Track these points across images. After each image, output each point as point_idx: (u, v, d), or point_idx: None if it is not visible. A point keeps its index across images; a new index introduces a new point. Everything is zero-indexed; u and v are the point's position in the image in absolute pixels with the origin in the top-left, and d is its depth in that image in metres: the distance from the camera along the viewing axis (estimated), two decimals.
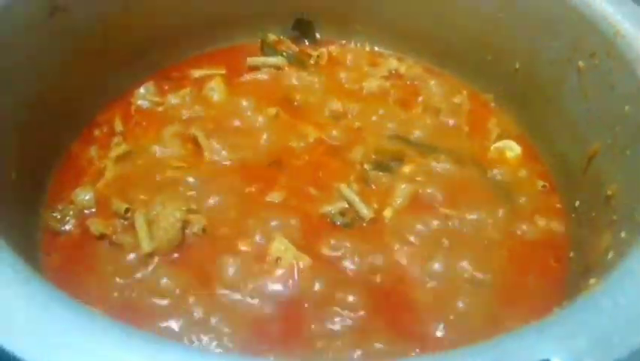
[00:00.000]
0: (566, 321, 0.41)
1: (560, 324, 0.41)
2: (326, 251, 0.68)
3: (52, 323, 0.36)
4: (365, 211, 0.72)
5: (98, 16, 0.78)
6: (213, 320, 0.61)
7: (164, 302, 0.63)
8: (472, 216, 0.74)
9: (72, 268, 0.66)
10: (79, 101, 0.79)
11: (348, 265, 0.67)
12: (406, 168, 0.79)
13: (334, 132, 0.83)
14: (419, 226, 0.72)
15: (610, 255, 0.55)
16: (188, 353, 0.35)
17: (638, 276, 0.44)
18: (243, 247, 0.68)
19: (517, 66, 0.86)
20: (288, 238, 0.68)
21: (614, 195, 0.64)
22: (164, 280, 0.65)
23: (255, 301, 0.63)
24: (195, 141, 0.78)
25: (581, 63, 0.74)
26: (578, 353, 0.38)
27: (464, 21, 0.89)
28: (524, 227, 0.74)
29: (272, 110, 0.82)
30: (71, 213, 0.71)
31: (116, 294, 0.63)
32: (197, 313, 0.62)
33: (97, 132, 0.81)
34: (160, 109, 0.84)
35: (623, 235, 0.56)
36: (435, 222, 0.72)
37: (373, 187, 0.76)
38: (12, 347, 0.34)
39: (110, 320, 0.38)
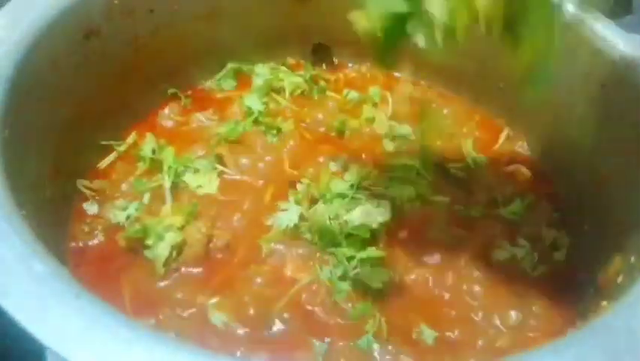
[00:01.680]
0: (580, 342, 0.43)
1: (575, 345, 0.43)
2: None
3: (104, 334, 0.39)
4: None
5: (128, 40, 0.82)
6: (233, 331, 0.64)
7: (188, 313, 0.66)
8: (481, 238, 0.76)
9: (100, 279, 0.68)
10: (107, 120, 0.82)
11: None
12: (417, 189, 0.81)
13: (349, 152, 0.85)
14: (431, 246, 0.74)
15: (620, 278, 0.58)
16: None
17: None
18: (262, 263, 0.71)
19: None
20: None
21: (623, 221, 0.66)
22: (188, 292, 0.68)
23: (272, 314, 0.66)
24: (219, 160, 0.80)
25: (592, 93, 0.77)
26: None
27: (478, 49, 0.92)
28: (534, 249, 0.76)
29: (292, 131, 0.86)
30: (100, 227, 0.74)
31: (141, 305, 0.66)
32: (219, 323, 0.65)
33: (123, 150, 0.83)
34: (184, 128, 0.88)
35: (632, 259, 0.58)
36: (445, 243, 0.75)
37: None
38: (69, 356, 0.37)
39: (152, 332, 0.41)
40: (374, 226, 0.71)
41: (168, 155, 0.80)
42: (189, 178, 0.77)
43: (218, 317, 0.65)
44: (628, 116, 0.70)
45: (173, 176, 0.78)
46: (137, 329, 0.40)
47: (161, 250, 0.69)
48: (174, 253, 0.70)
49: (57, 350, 0.38)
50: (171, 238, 0.70)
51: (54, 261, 0.46)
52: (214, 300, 0.67)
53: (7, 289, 0.42)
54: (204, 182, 0.77)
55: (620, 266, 0.61)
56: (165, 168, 0.78)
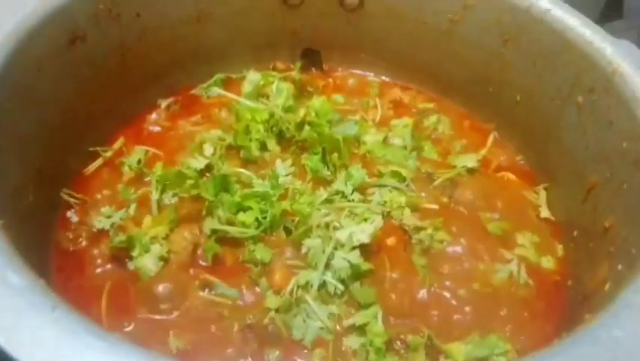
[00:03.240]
0: (564, 353, 0.43)
1: (559, 356, 0.42)
2: None
3: (79, 346, 0.39)
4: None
5: (115, 45, 0.82)
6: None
7: (170, 318, 0.66)
8: (470, 246, 0.76)
9: (82, 286, 0.68)
10: (93, 125, 0.82)
11: None
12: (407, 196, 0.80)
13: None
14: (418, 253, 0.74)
15: (607, 286, 0.57)
16: None
17: (634, 310, 0.46)
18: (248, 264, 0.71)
19: (518, 99, 0.88)
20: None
21: (611, 228, 0.66)
22: (174, 297, 0.67)
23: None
24: (207, 166, 0.80)
25: (580, 98, 0.77)
26: None
27: (468, 54, 0.92)
28: (521, 255, 0.76)
29: (281, 138, 0.85)
30: (84, 234, 0.73)
31: (124, 314, 0.65)
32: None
33: (109, 156, 0.83)
34: (172, 134, 0.87)
35: (619, 267, 0.58)
36: (431, 251, 0.75)
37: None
38: None
39: (127, 344, 0.40)
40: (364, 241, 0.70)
41: (157, 168, 0.79)
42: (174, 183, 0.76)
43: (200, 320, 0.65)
44: (616, 122, 0.70)
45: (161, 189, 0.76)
46: (112, 341, 0.39)
47: (147, 263, 0.69)
48: (160, 265, 0.69)
49: None
50: (157, 250, 0.69)
51: (30, 273, 0.46)
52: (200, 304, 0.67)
53: None
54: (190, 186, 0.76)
55: (608, 273, 0.61)
56: (154, 181, 0.77)
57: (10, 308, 0.41)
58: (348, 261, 0.68)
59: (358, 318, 0.66)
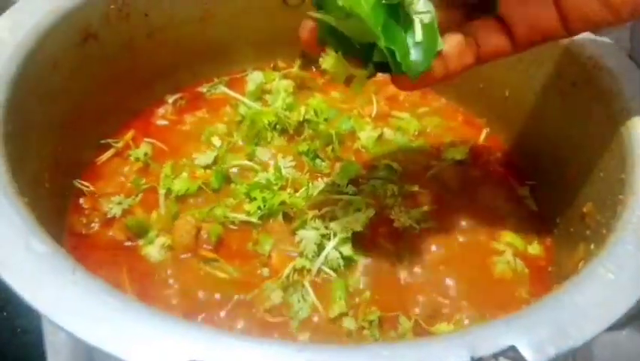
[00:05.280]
0: (530, 316, 0.47)
1: (526, 318, 0.47)
2: None
3: (96, 304, 0.44)
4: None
5: (124, 43, 0.87)
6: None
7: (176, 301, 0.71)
8: (461, 235, 0.80)
9: (94, 268, 0.72)
10: (104, 119, 0.87)
11: None
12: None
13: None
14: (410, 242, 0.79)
15: (580, 265, 0.62)
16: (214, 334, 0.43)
17: (595, 279, 0.51)
18: (250, 249, 0.76)
19: (507, 94, 0.92)
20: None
21: (588, 213, 0.70)
22: (177, 281, 0.72)
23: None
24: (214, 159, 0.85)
25: (563, 91, 0.81)
26: (540, 341, 0.45)
27: None
28: (509, 243, 0.80)
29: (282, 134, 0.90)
30: (97, 219, 0.78)
31: (134, 296, 0.71)
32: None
33: (120, 148, 0.88)
34: (178, 127, 0.92)
35: (592, 247, 0.63)
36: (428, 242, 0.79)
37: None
38: (63, 324, 0.42)
39: (140, 303, 0.45)
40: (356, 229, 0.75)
41: (166, 167, 0.84)
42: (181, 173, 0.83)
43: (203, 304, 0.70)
44: (593, 113, 0.74)
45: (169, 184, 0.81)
46: (127, 300, 0.44)
47: (152, 251, 0.74)
48: (166, 253, 0.74)
49: (51, 317, 0.42)
50: (162, 241, 0.75)
51: (52, 241, 0.51)
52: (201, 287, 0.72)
53: (7, 263, 0.46)
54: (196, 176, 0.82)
55: (583, 254, 0.65)
56: (162, 175, 0.82)
57: (35, 269, 0.46)
58: (340, 252, 0.73)
59: (345, 304, 0.70)
